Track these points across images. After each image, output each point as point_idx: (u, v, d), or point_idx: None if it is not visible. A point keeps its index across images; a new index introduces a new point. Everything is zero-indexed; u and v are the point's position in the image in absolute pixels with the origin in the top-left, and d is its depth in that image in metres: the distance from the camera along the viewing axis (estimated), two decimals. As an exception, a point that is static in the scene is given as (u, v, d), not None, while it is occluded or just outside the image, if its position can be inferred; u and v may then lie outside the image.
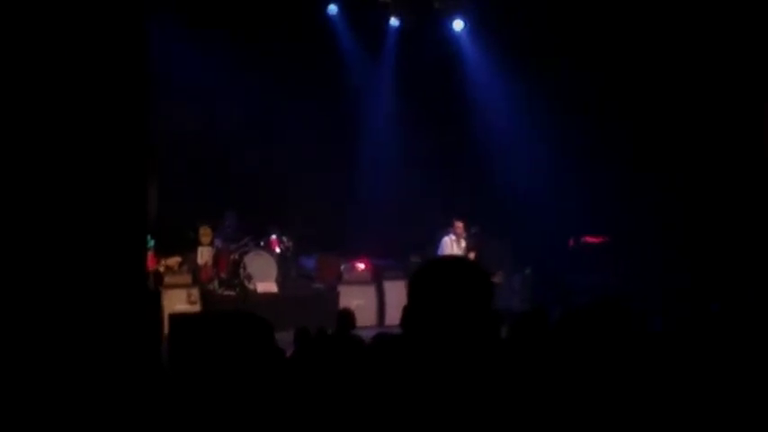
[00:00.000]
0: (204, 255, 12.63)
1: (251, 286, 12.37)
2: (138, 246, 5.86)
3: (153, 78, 6.37)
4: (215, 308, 11.48)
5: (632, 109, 12.72)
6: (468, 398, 1.96)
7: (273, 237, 13.13)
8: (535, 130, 13.44)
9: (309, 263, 13.68)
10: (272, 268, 12.71)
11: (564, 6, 12.80)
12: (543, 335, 4.15)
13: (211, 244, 12.75)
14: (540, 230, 12.76)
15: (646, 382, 2.57)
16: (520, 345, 4.09)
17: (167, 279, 11.87)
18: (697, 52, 11.93)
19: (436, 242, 12.29)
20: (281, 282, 12.73)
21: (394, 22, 14.26)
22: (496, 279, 11.79)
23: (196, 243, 12.65)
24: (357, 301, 12.07)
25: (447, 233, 12.27)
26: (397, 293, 12.32)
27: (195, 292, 11.84)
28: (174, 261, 12.26)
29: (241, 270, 12.43)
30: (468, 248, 12.12)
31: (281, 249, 13.12)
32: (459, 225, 12.21)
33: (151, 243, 10.90)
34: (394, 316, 11.55)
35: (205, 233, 12.70)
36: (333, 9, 13.93)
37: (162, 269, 11.97)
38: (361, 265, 13.37)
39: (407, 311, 2.07)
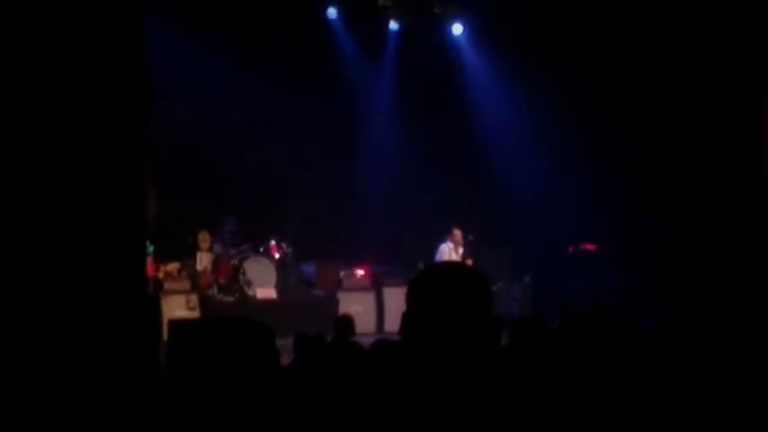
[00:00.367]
0: (203, 261, 12.62)
1: (250, 292, 12.36)
2: (137, 251, 5.85)
3: (152, 78, 6.36)
4: (214, 314, 11.44)
5: (631, 112, 12.74)
6: (468, 404, 1.95)
7: (273, 242, 13.13)
8: (534, 134, 13.47)
9: (309, 269, 13.68)
10: (271, 274, 12.71)
11: (562, 9, 12.82)
12: (543, 342, 4.15)
13: (210, 250, 12.75)
14: (539, 237, 12.77)
15: (642, 386, 2.56)
16: (520, 351, 4.08)
17: (166, 285, 11.87)
18: (696, 53, 11.95)
19: (433, 249, 12.29)
20: (280, 288, 12.73)
21: (393, 25, 14.28)
22: (495, 289, 11.77)
23: (195, 249, 12.64)
24: (356, 307, 12.06)
25: (444, 240, 12.27)
26: (396, 300, 12.28)
27: (194, 298, 11.83)
28: (173, 267, 12.25)
29: (240, 276, 12.43)
30: (466, 256, 12.12)
31: (280, 255, 13.12)
32: (458, 233, 12.22)
33: (150, 249, 10.90)
34: (393, 323, 11.47)
35: (204, 239, 12.69)
36: (332, 13, 13.95)
37: (161, 275, 11.97)
38: (361, 272, 13.36)
39: (406, 318, 2.06)
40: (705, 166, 12.08)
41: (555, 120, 13.14)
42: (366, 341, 6.54)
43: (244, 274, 12.44)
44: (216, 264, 12.62)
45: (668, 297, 10.37)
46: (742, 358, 3.76)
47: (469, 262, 11.90)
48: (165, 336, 8.42)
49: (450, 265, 2.27)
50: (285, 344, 6.90)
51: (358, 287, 13.16)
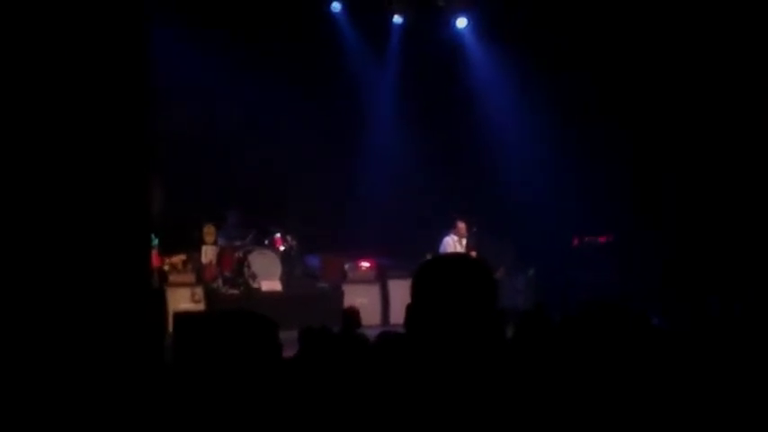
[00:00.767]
0: (208, 253, 12.63)
1: (255, 285, 12.35)
2: (142, 244, 5.87)
3: (153, 78, 6.36)
4: (219, 306, 11.46)
5: (634, 108, 12.70)
6: (473, 396, 1.96)
7: (278, 235, 13.12)
8: (538, 128, 13.42)
9: (314, 261, 13.68)
10: (276, 267, 12.70)
11: (567, 5, 12.79)
12: (546, 334, 4.15)
13: (215, 242, 12.76)
14: (542, 230, 12.74)
15: (648, 380, 2.57)
16: (524, 344, 4.09)
17: (171, 278, 11.88)
18: (697, 51, 11.92)
19: (438, 242, 12.28)
20: (285, 280, 12.72)
21: (397, 19, 14.25)
22: (498, 275, 11.77)
23: (200, 242, 12.65)
24: (361, 299, 12.07)
25: (448, 233, 12.25)
26: (401, 292, 12.27)
27: (199, 290, 11.84)
28: (178, 259, 12.26)
29: (245, 268, 12.42)
30: (470, 249, 12.10)
31: (285, 248, 13.11)
32: (462, 225, 12.19)
33: (155, 241, 10.92)
34: (398, 315, 11.55)
35: (209, 232, 12.70)
36: (336, 6, 13.93)
37: (166, 267, 11.98)
38: (366, 264, 13.36)
39: (411, 310, 2.06)
40: (706, 166, 12.06)
41: (557, 117, 13.09)
42: (371, 333, 6.55)
43: (249, 266, 12.44)
44: (221, 256, 12.63)
45: (668, 297, 10.35)
46: (742, 358, 3.76)
47: (474, 254, 11.89)
48: (171, 328, 8.45)
49: (454, 256, 2.28)
50: (290, 336, 6.94)
51: (363, 279, 13.16)
